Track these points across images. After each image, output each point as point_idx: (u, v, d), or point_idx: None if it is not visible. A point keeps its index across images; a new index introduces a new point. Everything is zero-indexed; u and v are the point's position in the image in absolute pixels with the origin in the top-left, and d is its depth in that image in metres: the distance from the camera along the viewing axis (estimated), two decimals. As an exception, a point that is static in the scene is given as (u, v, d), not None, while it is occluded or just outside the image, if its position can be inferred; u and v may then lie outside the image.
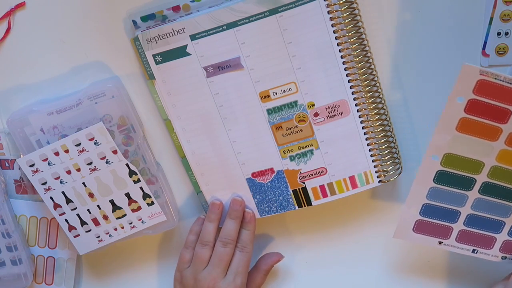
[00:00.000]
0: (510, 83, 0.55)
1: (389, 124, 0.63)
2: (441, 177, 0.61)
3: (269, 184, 0.66)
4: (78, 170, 0.65)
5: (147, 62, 0.62)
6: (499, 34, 0.61)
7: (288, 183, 0.66)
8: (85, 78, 0.65)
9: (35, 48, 0.65)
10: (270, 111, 0.63)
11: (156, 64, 0.62)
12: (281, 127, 0.64)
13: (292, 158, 0.65)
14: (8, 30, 0.65)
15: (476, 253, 0.65)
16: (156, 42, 0.61)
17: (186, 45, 0.61)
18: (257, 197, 0.67)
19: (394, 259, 0.70)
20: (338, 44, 0.60)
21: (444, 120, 0.58)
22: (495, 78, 0.55)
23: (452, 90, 0.56)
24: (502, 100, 0.56)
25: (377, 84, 0.62)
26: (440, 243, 0.65)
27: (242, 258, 0.65)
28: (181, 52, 0.61)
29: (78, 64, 0.65)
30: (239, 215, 0.66)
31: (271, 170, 0.65)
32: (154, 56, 0.62)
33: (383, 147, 0.64)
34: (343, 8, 0.59)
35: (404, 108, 0.65)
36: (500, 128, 0.57)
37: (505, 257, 0.64)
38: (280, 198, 0.66)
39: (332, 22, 0.60)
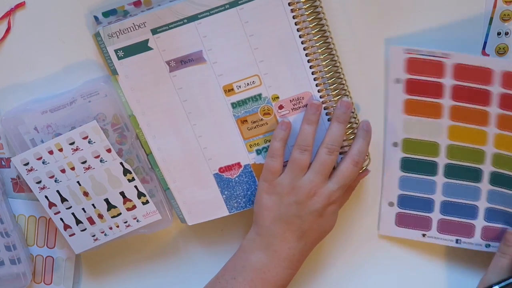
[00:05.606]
0: (432, 56, 0.54)
1: (355, 116, 0.63)
2: (406, 164, 0.61)
3: (236, 179, 0.66)
4: (73, 169, 0.65)
5: (109, 58, 0.62)
6: (499, 34, 0.61)
7: (256, 178, 0.65)
8: (78, 77, 0.65)
9: (34, 48, 0.65)
10: (234, 105, 0.63)
11: (119, 59, 0.62)
12: (246, 120, 0.63)
13: (258, 152, 0.64)
14: (8, 30, 0.64)
15: (460, 243, 0.64)
16: (118, 37, 0.61)
17: (148, 40, 0.61)
18: (225, 193, 0.66)
19: (390, 256, 0.70)
20: (300, 36, 0.60)
21: (390, 104, 0.57)
22: (418, 54, 0.55)
23: (388, 75, 0.56)
24: (431, 74, 0.56)
25: (341, 76, 0.62)
26: (423, 235, 0.64)
27: (352, 172, 0.60)
28: (142, 46, 0.61)
29: (71, 63, 0.65)
30: (348, 119, 0.60)
31: (238, 164, 0.65)
32: (116, 51, 0.61)
33: (350, 138, 0.63)
34: (304, 0, 0.59)
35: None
36: (440, 103, 0.57)
37: (489, 245, 0.64)
38: (249, 193, 0.66)
39: (294, 14, 0.59)
